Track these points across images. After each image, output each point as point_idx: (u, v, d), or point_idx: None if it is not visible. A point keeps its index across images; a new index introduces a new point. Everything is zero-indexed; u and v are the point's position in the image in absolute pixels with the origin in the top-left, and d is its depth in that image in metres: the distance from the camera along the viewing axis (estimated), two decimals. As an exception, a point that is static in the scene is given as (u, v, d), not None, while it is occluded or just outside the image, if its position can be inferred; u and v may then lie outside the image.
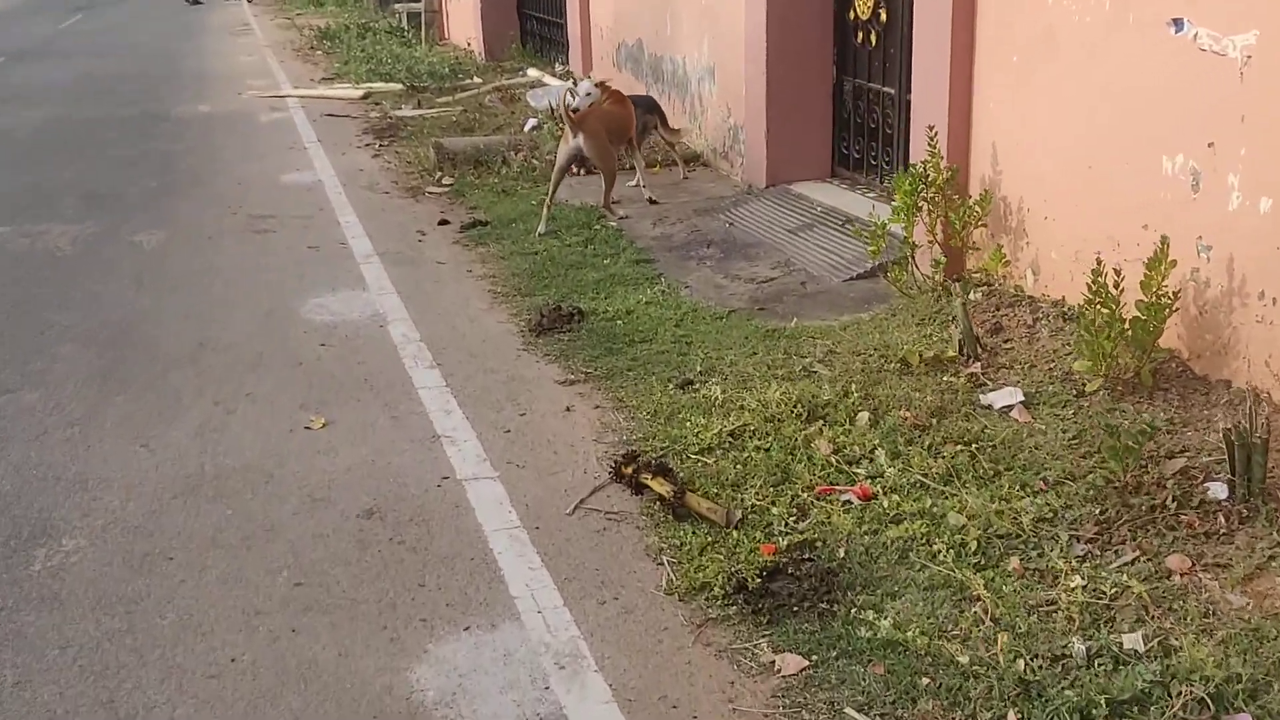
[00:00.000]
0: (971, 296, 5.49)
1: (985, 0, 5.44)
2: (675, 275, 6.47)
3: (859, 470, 4.05)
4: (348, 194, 8.83)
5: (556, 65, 14.23)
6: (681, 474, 4.09)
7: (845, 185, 7.66)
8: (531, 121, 10.85)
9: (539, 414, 4.77)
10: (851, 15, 7.41)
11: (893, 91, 7.01)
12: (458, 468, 4.30)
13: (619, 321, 5.72)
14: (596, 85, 7.75)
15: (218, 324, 5.97)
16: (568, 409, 4.80)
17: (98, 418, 4.85)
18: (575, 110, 7.42)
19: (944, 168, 5.53)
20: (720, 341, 5.39)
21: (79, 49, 19.79)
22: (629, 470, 4.06)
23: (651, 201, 8.02)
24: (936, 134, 5.52)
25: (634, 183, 8.37)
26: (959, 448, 4.13)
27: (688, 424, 4.48)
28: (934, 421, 4.37)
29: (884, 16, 7.02)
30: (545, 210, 7.40)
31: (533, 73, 13.98)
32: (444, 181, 9.04)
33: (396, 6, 20.56)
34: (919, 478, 3.96)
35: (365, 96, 13.39)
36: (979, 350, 4.92)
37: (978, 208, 5.46)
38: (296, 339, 5.72)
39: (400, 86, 13.67)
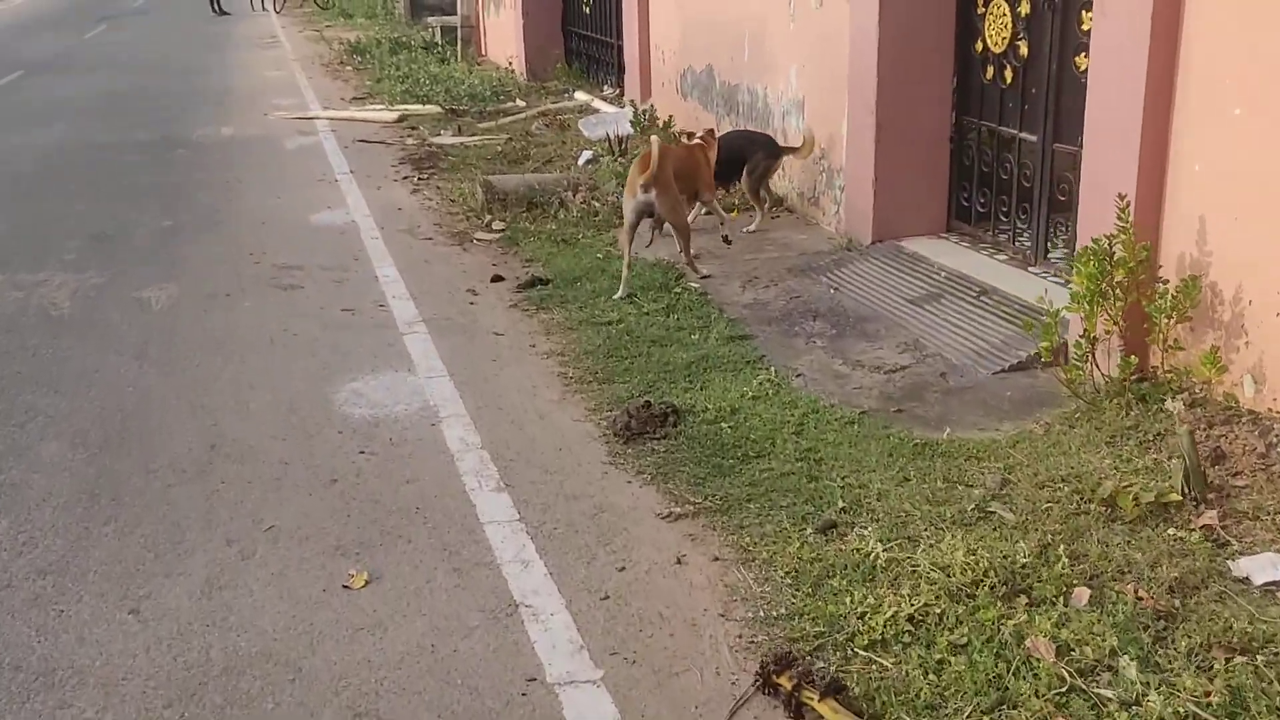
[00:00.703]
0: (1168, 405, 4.39)
1: (1195, 31, 4.34)
2: (781, 358, 5.39)
3: (1103, 689, 2.95)
4: (385, 239, 7.79)
5: (605, 88, 13.22)
6: (853, 685, 3.00)
7: (966, 243, 6.56)
8: (586, 154, 9.81)
9: (642, 568, 3.70)
10: (979, 47, 6.33)
11: (1034, 138, 5.92)
12: (546, 661, 3.23)
13: (724, 425, 4.65)
14: (682, 134, 6.82)
15: (233, 418, 4.92)
16: (679, 560, 3.73)
17: (78, 561, 3.80)
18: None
19: (1137, 245, 4.43)
20: (859, 460, 4.30)
21: (101, 61, 18.90)
22: (785, 682, 2.97)
23: (726, 241, 7.04)
24: (1129, 204, 4.42)
25: (753, 227, 7.41)
26: (1235, 657, 3.02)
27: (848, 598, 3.39)
28: (1179, 605, 3.28)
29: (1024, 50, 5.92)
30: (625, 270, 6.34)
31: (580, 96, 12.95)
32: (494, 226, 7.99)
33: (430, 20, 19.60)
34: (1192, 709, 2.85)
35: (400, 120, 12.39)
36: (1206, 491, 3.81)
37: (1182, 296, 4.36)
38: (329, 442, 4.66)
39: (438, 109, 12.68)
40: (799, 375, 5.20)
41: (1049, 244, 5.98)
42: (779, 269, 6.72)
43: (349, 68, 16.98)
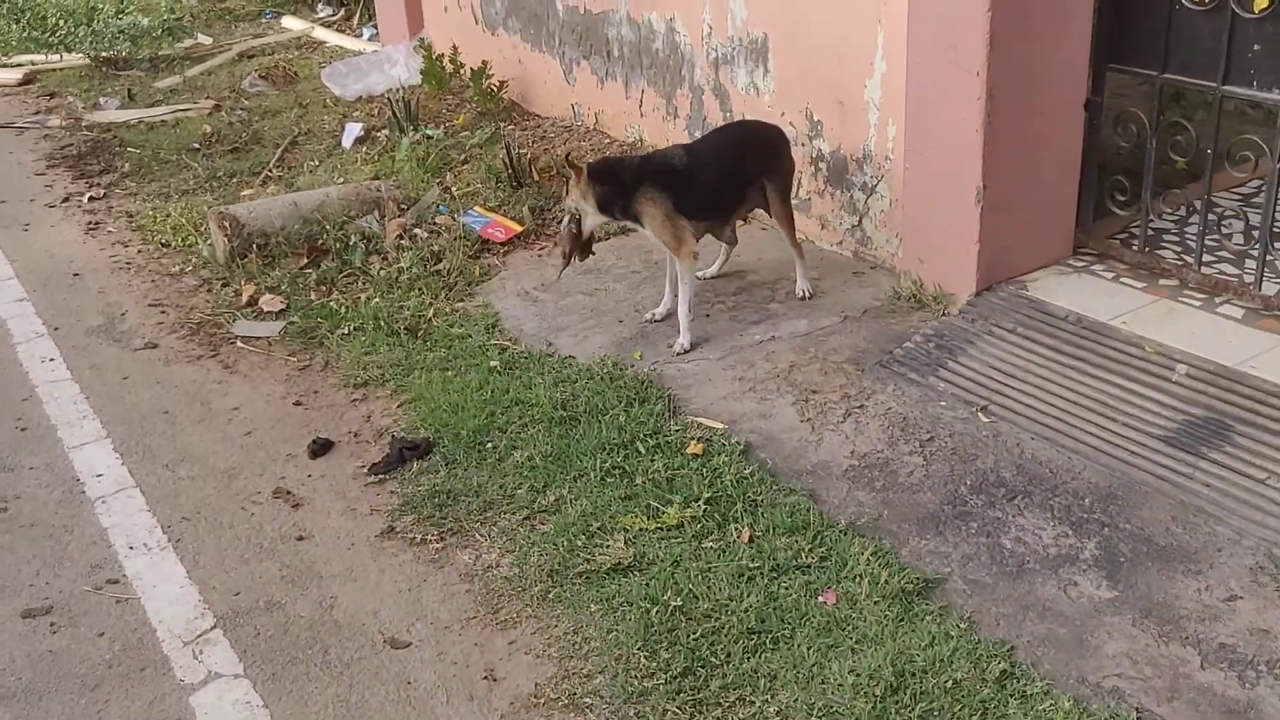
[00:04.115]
0: None
1: None
2: (1051, 654, 2.55)
3: None
4: (68, 355, 4.33)
5: (320, 6, 9.59)
6: None
7: (1134, 278, 3.88)
8: (353, 129, 6.38)
9: None
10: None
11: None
12: None
13: None
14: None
15: None
16: None
17: None
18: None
19: None
20: None
21: None
22: None
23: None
24: None
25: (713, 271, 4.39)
26: None
27: None
28: None
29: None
30: None
31: (292, 24, 9.28)
32: (263, 303, 4.59)
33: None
34: None
35: (29, 82, 8.40)
36: None
37: None
38: None
39: (85, 60, 8.65)
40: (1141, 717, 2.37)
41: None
42: (836, 360, 3.79)
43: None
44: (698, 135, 5.13)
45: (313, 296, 4.57)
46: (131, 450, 3.67)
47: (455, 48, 6.46)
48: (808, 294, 4.22)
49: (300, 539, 3.20)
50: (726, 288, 4.37)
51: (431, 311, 4.37)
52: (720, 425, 3.49)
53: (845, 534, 2.97)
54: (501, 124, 6.12)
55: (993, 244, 3.85)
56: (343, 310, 4.42)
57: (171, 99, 7.57)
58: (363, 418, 3.80)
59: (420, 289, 4.54)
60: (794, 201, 4.58)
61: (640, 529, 3.06)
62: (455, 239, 4.89)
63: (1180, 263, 3.90)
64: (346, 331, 4.30)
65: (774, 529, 3.01)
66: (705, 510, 3.09)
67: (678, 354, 3.92)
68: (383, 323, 4.29)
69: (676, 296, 4.00)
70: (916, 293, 4.07)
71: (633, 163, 4.01)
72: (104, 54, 8.59)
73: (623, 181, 3.88)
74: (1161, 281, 3.85)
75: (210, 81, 7.94)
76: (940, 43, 3.72)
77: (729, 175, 4.04)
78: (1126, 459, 3.13)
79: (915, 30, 3.82)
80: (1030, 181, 3.84)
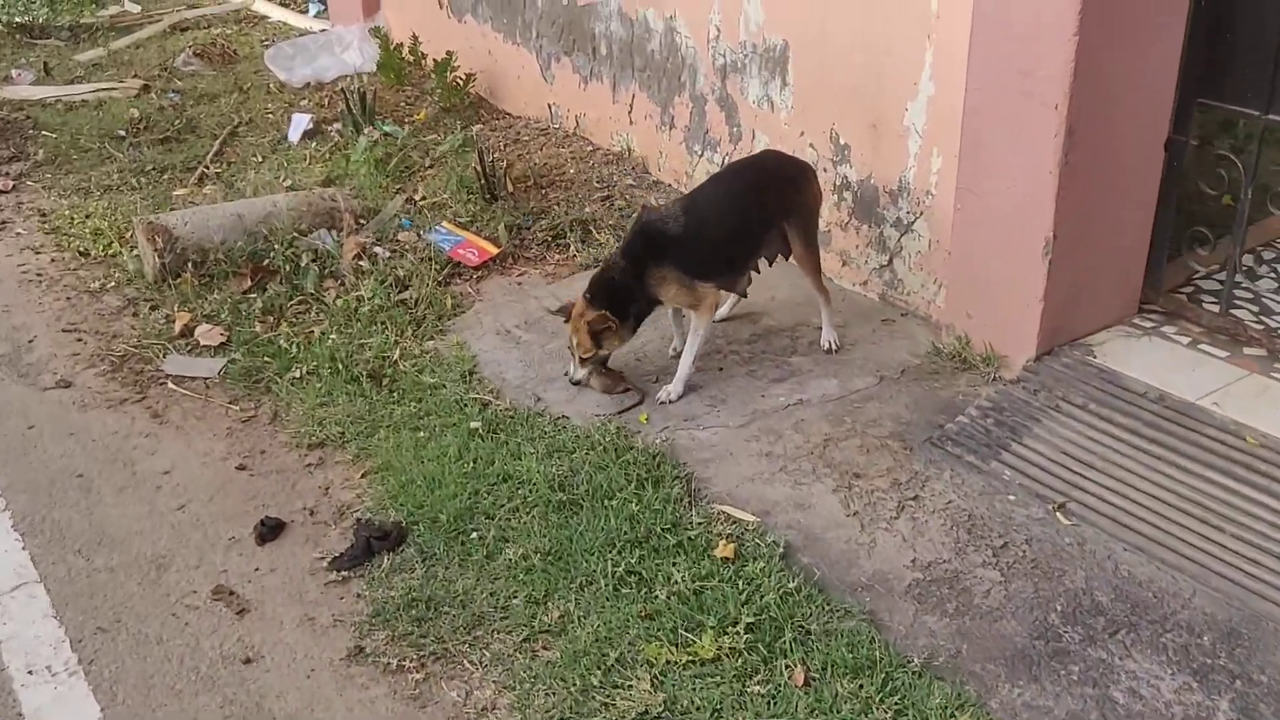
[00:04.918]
0: None
1: None
2: None
3: None
4: (-36, 401, 3.61)
5: (260, -25, 8.78)
6: None
7: (1214, 344, 3.42)
8: (301, 121, 5.71)
9: None
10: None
11: None
12: None
13: None
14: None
15: None
16: None
17: None
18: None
19: None
20: None
21: None
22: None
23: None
24: None
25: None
26: None
27: None
28: None
29: None
30: None
31: (232, -6, 8.47)
32: (198, 334, 3.94)
33: None
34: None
35: (-69, 49, 7.55)
36: None
37: None
38: None
39: (-3, 26, 7.82)
40: None
41: None
42: (878, 434, 3.25)
43: None
44: (697, 150, 4.57)
45: (258, 328, 3.93)
46: (36, 528, 3.03)
47: (415, 36, 5.79)
48: (835, 346, 3.68)
49: (247, 661, 2.60)
50: (739, 334, 3.82)
51: (397, 352, 3.76)
52: (751, 517, 2.94)
53: (920, 676, 2.45)
54: (469, 122, 5.48)
55: (1057, 301, 3.34)
56: (293, 348, 3.80)
57: (94, 75, 6.82)
58: (319, 489, 3.19)
59: (383, 323, 3.93)
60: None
61: (668, 662, 2.51)
62: (422, 260, 4.28)
63: (1261, 327, 3.42)
64: (298, 375, 3.68)
65: (833, 667, 2.47)
66: (746, 640, 2.54)
67: (661, 401, 3.41)
68: (341, 365, 3.68)
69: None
70: (962, 350, 3.55)
71: (617, 258, 3.42)
72: (17, 19, 7.76)
73: (624, 284, 3.35)
74: (1246, 351, 3.37)
75: (138, 56, 7.18)
76: (1010, 68, 3.19)
77: (737, 233, 3.50)
78: (1244, 583, 2.63)
79: (978, 51, 3.27)
80: (1101, 231, 3.34)
